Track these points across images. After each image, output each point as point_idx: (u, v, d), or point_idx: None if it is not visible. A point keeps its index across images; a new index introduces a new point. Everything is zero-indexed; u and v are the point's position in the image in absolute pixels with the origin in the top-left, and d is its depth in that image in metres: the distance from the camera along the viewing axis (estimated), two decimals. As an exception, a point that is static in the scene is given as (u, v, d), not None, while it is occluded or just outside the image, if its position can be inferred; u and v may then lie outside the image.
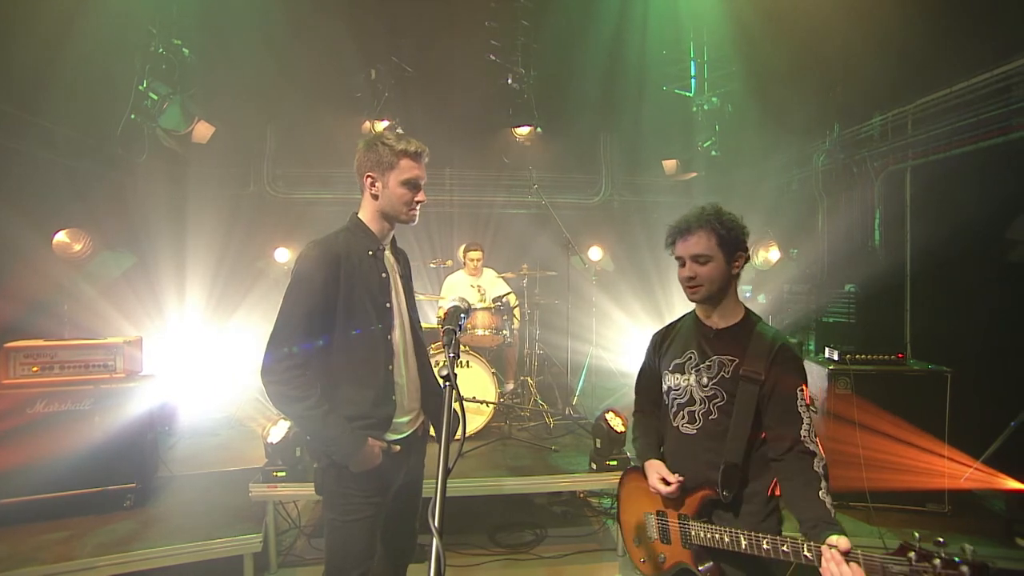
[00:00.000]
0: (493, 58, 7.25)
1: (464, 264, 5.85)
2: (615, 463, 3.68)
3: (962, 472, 3.35)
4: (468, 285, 5.72)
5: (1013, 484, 3.27)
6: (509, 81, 7.36)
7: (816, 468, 1.67)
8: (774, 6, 5.68)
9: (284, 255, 7.22)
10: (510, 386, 5.56)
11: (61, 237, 5.07)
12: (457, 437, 1.37)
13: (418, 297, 5.39)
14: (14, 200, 4.47)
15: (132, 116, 5.47)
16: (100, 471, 3.35)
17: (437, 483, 1.29)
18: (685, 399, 1.89)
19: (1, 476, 3.16)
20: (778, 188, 6.87)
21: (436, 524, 1.22)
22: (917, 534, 1.41)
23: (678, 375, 1.92)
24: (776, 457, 1.74)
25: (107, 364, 3.52)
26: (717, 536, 1.74)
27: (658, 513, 1.94)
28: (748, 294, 7.03)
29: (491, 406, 4.50)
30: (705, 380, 1.84)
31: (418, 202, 2.03)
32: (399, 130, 6.88)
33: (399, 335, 2.06)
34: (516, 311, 5.38)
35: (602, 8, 7.00)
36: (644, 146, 8.13)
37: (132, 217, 6.04)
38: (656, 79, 7.49)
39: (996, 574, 2.71)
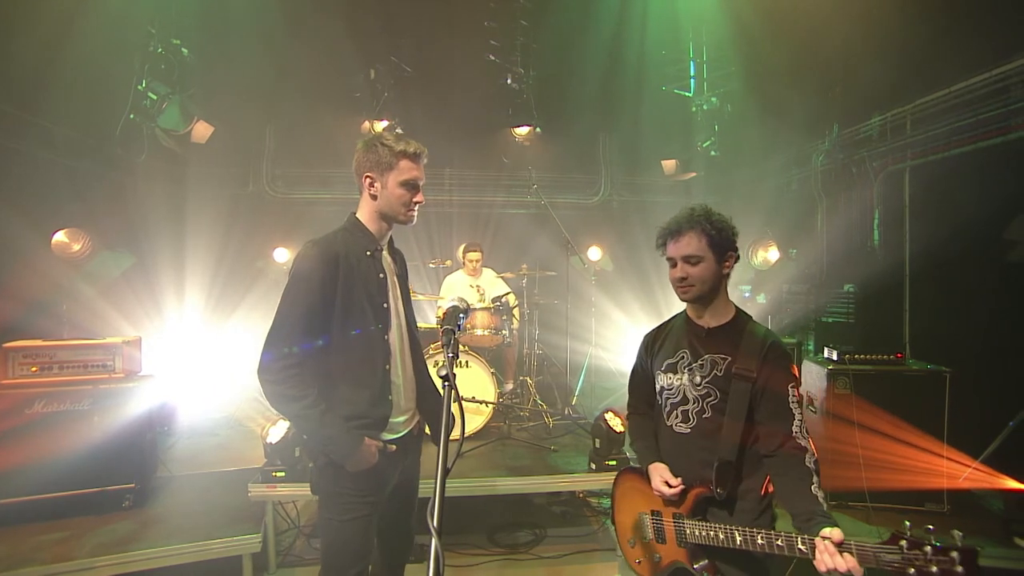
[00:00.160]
0: (492, 58, 7.25)
1: (463, 264, 5.85)
2: (614, 463, 3.68)
3: (961, 472, 3.36)
4: (467, 285, 5.72)
5: (1012, 484, 3.27)
6: (508, 81, 7.36)
7: (808, 463, 1.70)
8: (773, 6, 5.69)
9: (283, 255, 7.22)
10: (509, 386, 5.57)
11: (60, 237, 5.07)
12: (455, 437, 1.36)
13: (417, 297, 5.42)
14: (13, 200, 4.47)
15: (131, 116, 5.47)
16: (99, 471, 3.34)
17: (436, 483, 1.29)
18: (678, 398, 1.90)
19: (0, 476, 3.15)
20: (777, 188, 6.87)
21: (435, 524, 1.22)
22: (908, 523, 1.43)
23: (671, 375, 1.93)
24: (768, 453, 1.76)
25: (106, 364, 3.51)
26: (712, 533, 1.75)
27: (653, 513, 1.94)
28: (747, 294, 7.03)
29: (490, 406, 4.50)
30: (698, 379, 1.86)
31: (416, 203, 2.04)
32: (398, 130, 6.89)
33: (396, 335, 2.06)
34: (515, 311, 5.38)
35: (601, 8, 7.00)
36: (643, 146, 8.13)
37: (131, 217, 6.04)
38: (655, 79, 7.49)
39: (995, 574, 2.72)
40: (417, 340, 2.21)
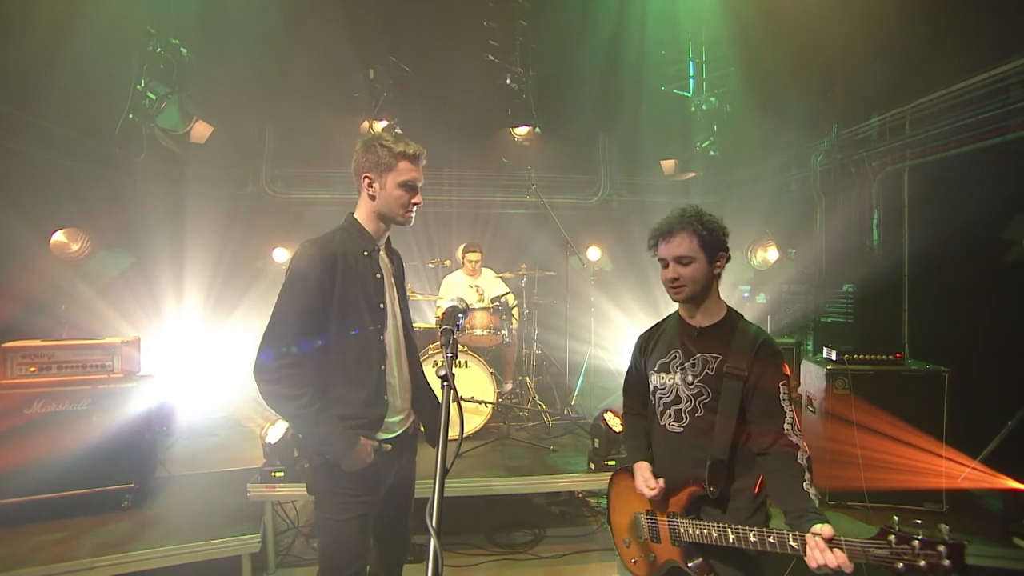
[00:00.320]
0: (492, 58, 7.24)
1: (462, 264, 5.85)
2: (613, 463, 3.68)
3: (960, 472, 3.36)
4: (466, 285, 5.72)
5: (1010, 484, 3.27)
6: (508, 81, 7.36)
7: (800, 461, 1.71)
8: (772, 6, 5.69)
9: (282, 255, 7.22)
10: (508, 386, 5.57)
11: (59, 237, 5.06)
12: (453, 437, 1.36)
13: (416, 297, 5.42)
14: (12, 200, 4.46)
15: (130, 116, 5.46)
16: (98, 471, 3.34)
17: (435, 483, 1.29)
18: (671, 398, 1.92)
19: (-1, 476, 3.15)
20: (776, 188, 6.87)
21: (434, 524, 1.22)
22: (896, 518, 1.45)
23: (664, 374, 1.95)
24: (760, 451, 1.78)
25: (105, 364, 3.51)
26: (705, 532, 1.76)
27: (647, 512, 1.95)
28: (747, 294, 7.03)
29: (489, 406, 4.50)
30: (690, 378, 1.87)
31: (415, 204, 2.04)
32: (398, 130, 6.90)
33: (392, 336, 2.06)
34: (515, 311, 5.38)
35: (601, 8, 7.00)
36: (642, 146, 8.14)
37: (130, 217, 6.04)
38: (654, 79, 7.49)
39: (994, 574, 2.72)
40: (413, 341, 2.21)
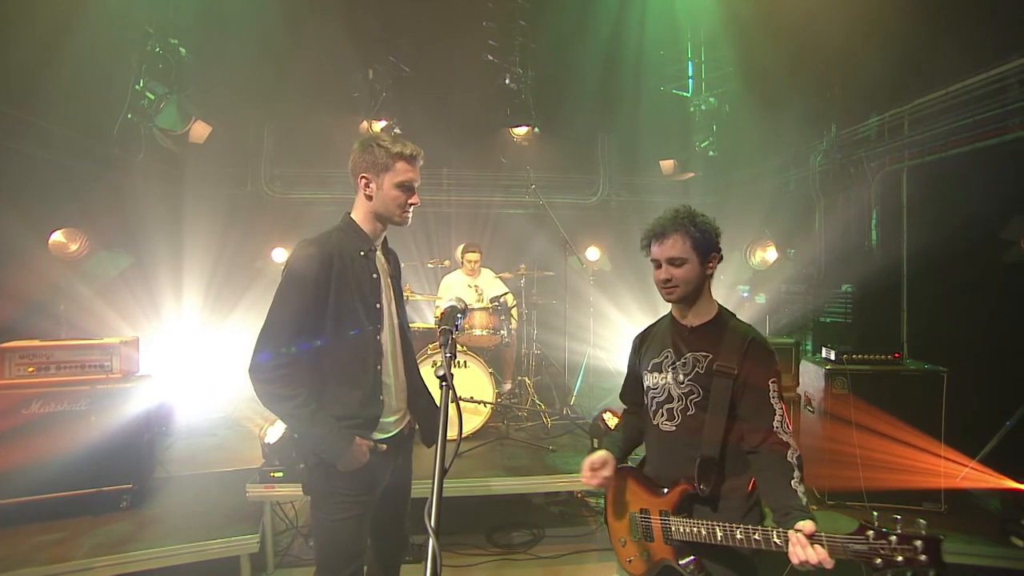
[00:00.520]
0: (491, 58, 7.25)
1: (462, 264, 5.84)
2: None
3: (958, 471, 3.36)
4: (465, 285, 5.72)
5: (1009, 483, 3.28)
6: (507, 81, 7.36)
7: (789, 459, 1.73)
8: (771, 6, 5.69)
9: (281, 255, 7.22)
10: (508, 386, 5.57)
11: (57, 237, 5.06)
12: (452, 437, 1.36)
13: (415, 297, 5.42)
14: (11, 200, 4.46)
15: (129, 116, 5.46)
16: (96, 472, 3.34)
17: (433, 483, 1.29)
18: (663, 397, 1.93)
19: (-3, 477, 3.15)
20: (775, 188, 6.88)
21: (432, 524, 1.22)
22: (876, 513, 1.47)
23: (656, 374, 1.96)
24: (751, 449, 1.79)
25: (103, 364, 3.51)
26: (695, 529, 1.77)
27: (641, 511, 1.96)
28: (746, 294, 7.04)
29: (488, 406, 4.50)
30: (681, 377, 1.88)
31: (411, 204, 2.04)
32: (397, 130, 6.91)
33: (388, 336, 2.06)
34: (514, 311, 5.38)
35: (600, 8, 7.01)
36: (641, 146, 8.14)
37: (129, 217, 6.03)
38: (653, 79, 7.49)
39: (992, 573, 2.73)
40: (409, 341, 2.21)
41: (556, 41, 7.27)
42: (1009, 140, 3.88)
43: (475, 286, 5.73)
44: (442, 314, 1.83)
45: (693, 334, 1.91)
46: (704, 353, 1.86)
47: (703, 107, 7.29)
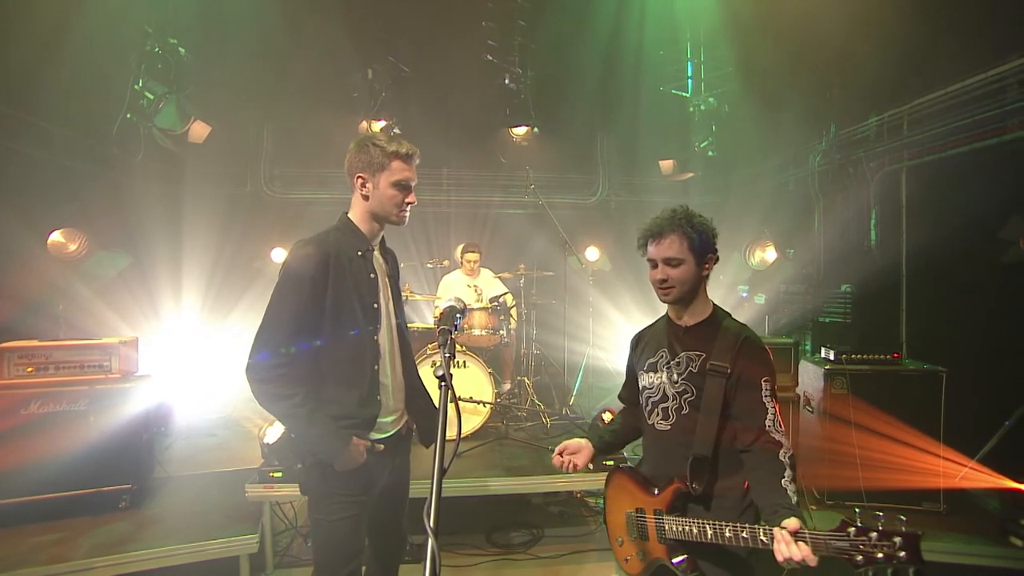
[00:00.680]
0: (490, 58, 7.25)
1: (461, 264, 5.84)
2: (612, 463, 3.68)
3: (957, 471, 3.36)
4: (465, 285, 5.72)
5: (1008, 483, 3.28)
6: (506, 81, 7.36)
7: (781, 458, 1.72)
8: (771, 6, 5.69)
9: (281, 255, 7.21)
10: (507, 386, 5.57)
11: (56, 237, 5.06)
12: (451, 437, 1.36)
13: (415, 297, 5.42)
14: (9, 200, 4.46)
15: (128, 116, 5.46)
16: (95, 472, 3.34)
17: (432, 483, 1.29)
18: (658, 396, 1.94)
19: (-4, 477, 3.15)
20: (774, 188, 6.88)
21: (431, 524, 1.22)
22: (858, 510, 1.47)
23: (652, 373, 1.97)
24: (744, 448, 1.79)
25: (102, 364, 3.50)
26: (687, 528, 1.77)
27: (637, 510, 1.97)
28: (745, 294, 7.04)
29: (488, 406, 4.50)
30: (675, 376, 1.89)
31: (408, 203, 2.04)
32: (396, 130, 6.90)
33: (385, 336, 2.06)
34: (513, 311, 5.38)
35: (599, 8, 7.00)
36: (641, 146, 8.14)
37: (128, 217, 6.02)
38: (653, 79, 7.50)
39: (991, 573, 2.73)
40: (407, 341, 2.21)
41: (555, 41, 7.27)
42: (1008, 140, 3.88)
43: (474, 286, 5.73)
44: (441, 314, 1.82)
45: (688, 334, 1.92)
46: (698, 352, 1.86)
47: (702, 107, 7.29)
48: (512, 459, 4.08)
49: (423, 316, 6.92)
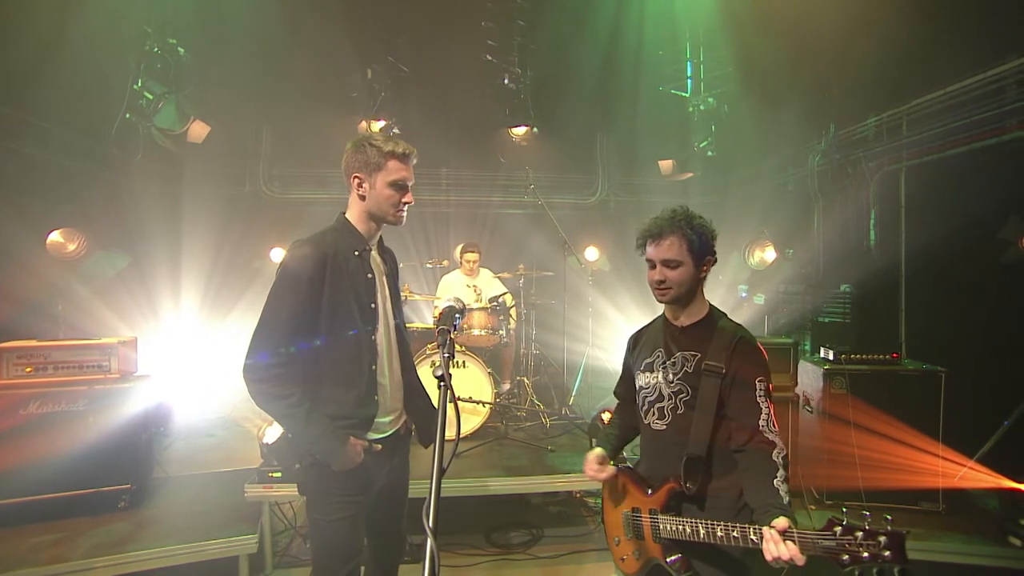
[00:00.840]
0: (490, 58, 7.24)
1: (460, 264, 5.84)
2: (611, 463, 3.68)
3: (956, 471, 3.37)
4: (464, 285, 5.72)
5: (1007, 483, 3.28)
6: (506, 81, 7.36)
7: (774, 458, 1.73)
8: (770, 7, 5.70)
9: (279, 255, 7.19)
10: (506, 386, 5.57)
11: (55, 237, 5.06)
12: (450, 437, 1.36)
13: (414, 297, 5.41)
14: (8, 200, 4.46)
15: (127, 115, 5.45)
16: (95, 472, 3.34)
17: (431, 483, 1.29)
18: (654, 396, 1.94)
19: (-5, 477, 3.14)
20: (774, 188, 6.88)
21: (430, 524, 1.22)
22: (844, 509, 1.49)
23: (648, 373, 1.98)
24: (737, 448, 1.80)
25: (101, 364, 3.50)
26: (680, 527, 1.78)
27: (633, 510, 1.98)
28: (744, 294, 7.04)
29: (487, 406, 4.50)
30: (671, 376, 1.90)
31: (405, 203, 2.04)
32: (395, 130, 6.90)
33: (383, 336, 2.06)
34: (512, 311, 5.38)
35: (599, 8, 7.00)
36: (640, 146, 8.14)
37: (127, 217, 6.02)
38: (652, 79, 7.50)
39: (990, 573, 2.73)
40: (406, 341, 2.21)
41: (555, 41, 7.27)
42: (1007, 140, 3.88)
43: (474, 286, 5.73)
44: (440, 314, 1.82)
45: (683, 334, 1.93)
46: (693, 352, 1.87)
47: (702, 107, 7.29)
48: (511, 459, 4.08)
49: (422, 316, 6.92)
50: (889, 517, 1.40)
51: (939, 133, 4.44)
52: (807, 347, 5.73)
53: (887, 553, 1.36)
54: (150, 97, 5.58)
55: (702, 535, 1.72)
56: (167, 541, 3.06)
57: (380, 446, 2.03)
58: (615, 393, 2.27)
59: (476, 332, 4.98)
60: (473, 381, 4.51)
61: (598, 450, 2.10)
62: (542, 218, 6.26)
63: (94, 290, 5.26)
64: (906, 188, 4.88)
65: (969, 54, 4.10)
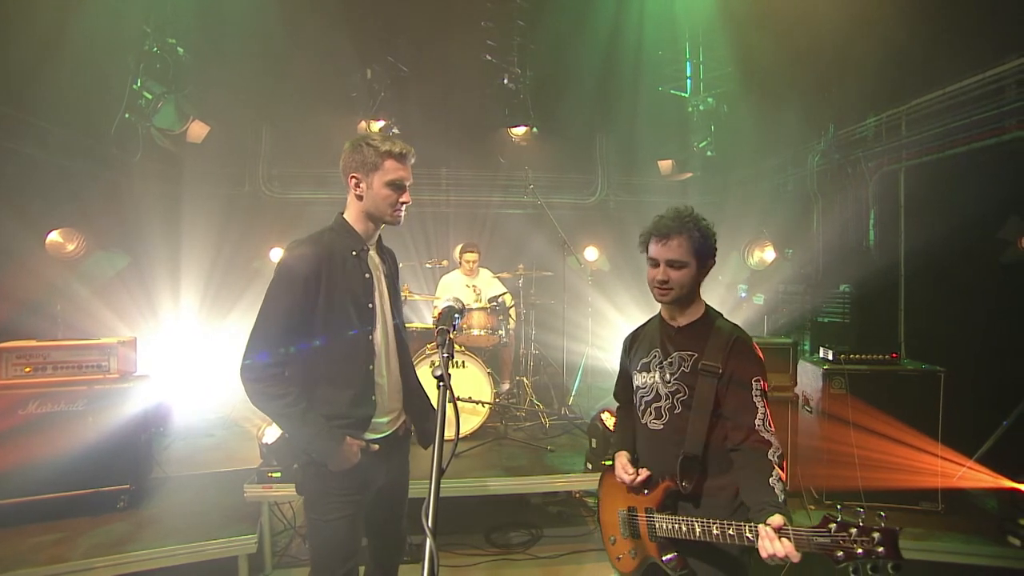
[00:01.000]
0: (489, 58, 7.24)
1: (460, 264, 5.84)
2: (610, 463, 3.67)
3: (955, 471, 3.37)
4: (464, 285, 5.72)
5: (1006, 483, 3.29)
6: (505, 81, 7.35)
7: (770, 457, 1.74)
8: (770, 7, 5.70)
9: (279, 255, 7.19)
10: (506, 386, 5.57)
11: (54, 237, 5.06)
12: (449, 437, 1.36)
13: (413, 297, 5.41)
14: (8, 200, 4.46)
15: (126, 115, 5.44)
16: (94, 472, 3.34)
17: (431, 483, 1.29)
18: (651, 396, 1.95)
19: (-6, 477, 3.14)
20: (773, 188, 6.89)
21: (430, 524, 1.22)
22: (839, 506, 1.48)
23: (645, 374, 1.98)
24: (733, 447, 1.81)
25: (101, 364, 3.50)
26: (676, 526, 1.79)
27: (629, 509, 1.98)
28: (744, 294, 7.04)
29: (486, 406, 4.50)
30: (668, 376, 1.90)
31: (403, 203, 2.04)
32: (395, 130, 6.89)
33: (381, 335, 2.06)
34: (512, 311, 5.38)
35: (598, 8, 7.00)
36: (640, 146, 8.13)
37: (126, 217, 6.02)
38: (652, 79, 7.49)
39: (989, 573, 2.74)
40: (404, 341, 2.20)
41: (555, 41, 7.26)
42: (1006, 140, 3.89)
43: (473, 286, 5.73)
44: (440, 314, 1.83)
45: (680, 334, 1.94)
46: (690, 352, 1.88)
47: (701, 107, 7.28)
48: (511, 459, 4.08)
49: (422, 316, 6.91)
50: (883, 514, 1.42)
51: (938, 133, 4.44)
52: (806, 347, 5.73)
53: (881, 549, 1.37)
54: (149, 97, 5.58)
55: (698, 533, 1.73)
56: (167, 541, 3.06)
57: (377, 446, 2.03)
58: (615, 395, 2.27)
59: (475, 332, 4.98)
60: (472, 381, 4.51)
61: (625, 453, 2.06)
62: (542, 218, 6.26)
63: (93, 290, 5.26)
64: (905, 188, 4.88)
65: (969, 54, 4.10)
